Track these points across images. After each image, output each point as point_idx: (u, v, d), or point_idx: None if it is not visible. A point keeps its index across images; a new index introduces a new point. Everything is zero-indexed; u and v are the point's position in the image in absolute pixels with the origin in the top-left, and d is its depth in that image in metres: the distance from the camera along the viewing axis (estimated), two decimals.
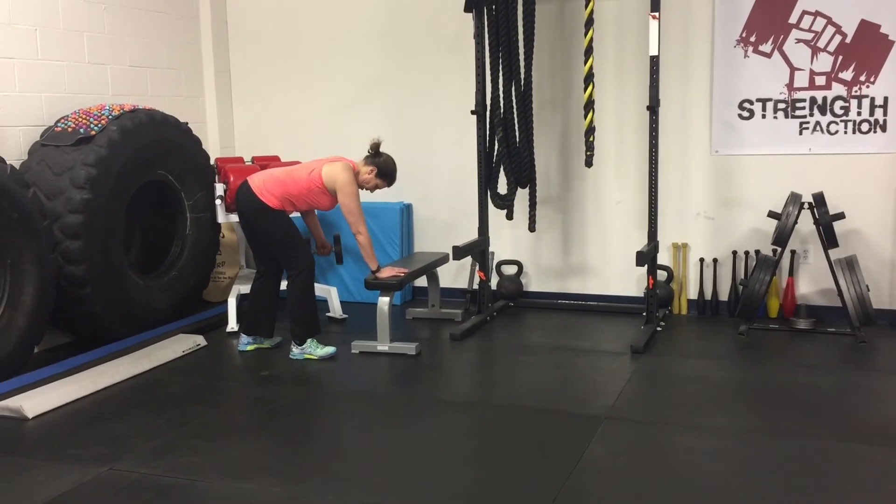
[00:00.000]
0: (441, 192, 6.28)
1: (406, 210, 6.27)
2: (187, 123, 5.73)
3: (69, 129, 4.96)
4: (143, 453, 3.60)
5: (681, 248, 5.78)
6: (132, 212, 5.40)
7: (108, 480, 3.35)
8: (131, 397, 4.35)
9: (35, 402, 4.11)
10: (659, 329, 5.34)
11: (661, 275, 5.71)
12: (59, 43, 5.27)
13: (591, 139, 5.22)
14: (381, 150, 4.95)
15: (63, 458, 3.58)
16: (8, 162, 4.63)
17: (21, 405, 4.05)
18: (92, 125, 4.97)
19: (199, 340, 5.21)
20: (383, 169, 4.93)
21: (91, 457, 3.57)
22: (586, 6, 5.10)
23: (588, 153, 5.25)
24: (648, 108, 5.16)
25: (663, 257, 5.76)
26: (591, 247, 6.00)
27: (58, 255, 4.77)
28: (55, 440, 3.79)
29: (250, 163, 5.93)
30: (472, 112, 5.55)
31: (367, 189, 4.97)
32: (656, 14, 5.03)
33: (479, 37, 5.46)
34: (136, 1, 5.85)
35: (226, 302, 5.72)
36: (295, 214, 5.00)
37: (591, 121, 5.19)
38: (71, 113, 5.18)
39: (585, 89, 5.16)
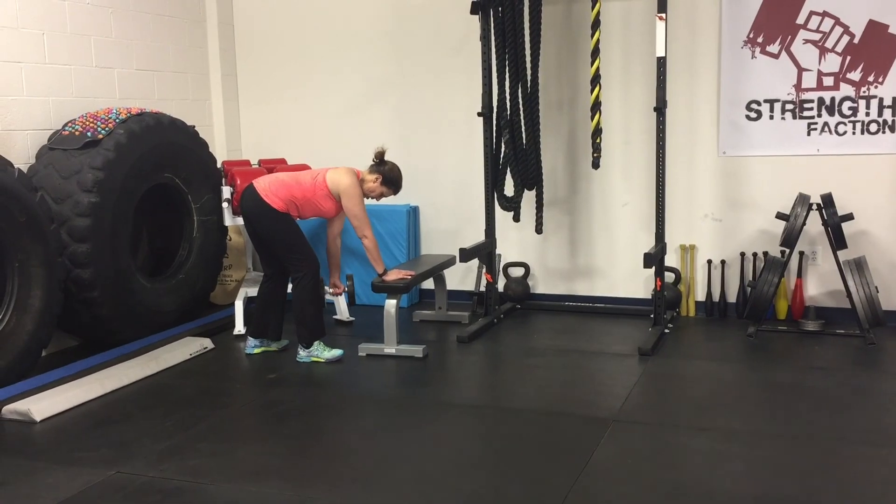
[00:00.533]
0: (448, 194, 6.27)
1: (412, 212, 6.27)
2: (194, 126, 5.74)
3: (76, 133, 4.97)
4: (151, 456, 3.60)
5: (688, 250, 5.76)
6: (139, 215, 5.41)
7: (116, 483, 3.35)
8: (139, 400, 4.35)
9: (43, 405, 4.12)
10: (667, 331, 5.32)
11: (669, 276, 5.69)
12: (66, 47, 5.28)
13: (597, 141, 5.21)
14: (386, 157, 4.96)
15: (71, 461, 3.58)
16: (15, 165, 4.64)
17: (29, 408, 4.05)
18: (99, 129, 4.98)
19: (207, 343, 5.21)
20: (388, 177, 4.93)
21: (98, 460, 3.57)
22: (593, 7, 5.09)
23: (595, 155, 5.25)
24: (655, 109, 5.15)
25: (671, 259, 5.75)
26: (598, 248, 5.99)
27: (65, 259, 4.78)
28: (63, 443, 3.79)
29: (257, 166, 5.93)
30: (479, 114, 5.54)
31: (372, 197, 4.98)
32: (663, 15, 5.01)
33: (485, 39, 5.46)
34: (142, 5, 5.87)
35: (233, 305, 5.73)
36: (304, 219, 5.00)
37: (598, 122, 5.18)
38: (78, 116, 5.19)
39: (592, 91, 5.15)
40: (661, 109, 5.13)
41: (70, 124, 5.09)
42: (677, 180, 5.66)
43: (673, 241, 5.72)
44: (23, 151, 5.02)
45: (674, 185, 5.62)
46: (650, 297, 5.68)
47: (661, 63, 5.08)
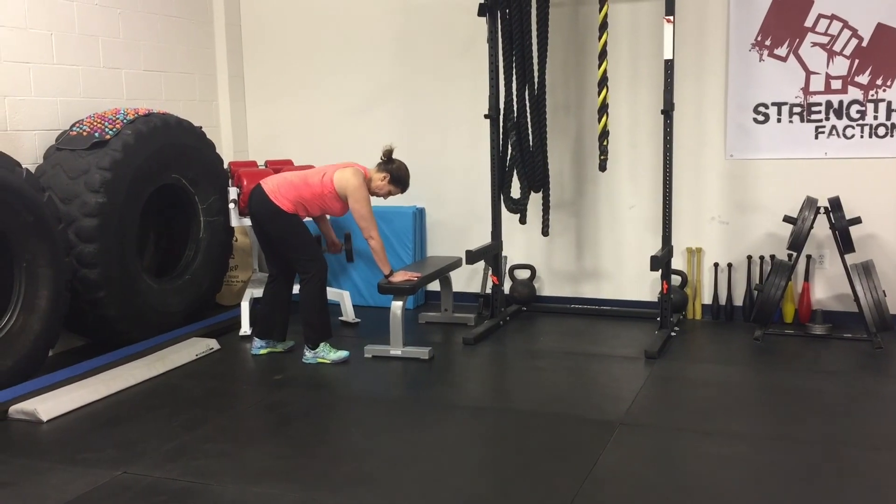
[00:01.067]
0: (454, 196, 6.27)
1: (419, 214, 6.27)
2: (201, 127, 5.75)
3: (84, 133, 4.98)
4: (157, 457, 3.61)
5: (695, 253, 5.75)
6: (146, 215, 5.42)
7: (122, 484, 3.36)
8: (145, 401, 4.36)
9: (49, 405, 4.12)
10: (673, 334, 5.31)
11: (676, 279, 5.68)
12: (74, 47, 5.29)
13: (604, 143, 5.21)
14: (394, 156, 4.95)
15: (77, 461, 3.58)
16: (24, 166, 4.65)
17: (36, 408, 4.06)
18: (107, 129, 4.99)
19: (213, 344, 5.22)
20: (396, 175, 4.92)
21: (105, 460, 3.58)
22: (600, 10, 5.09)
23: (602, 157, 5.24)
24: (663, 112, 5.14)
25: (677, 262, 5.73)
26: (604, 251, 5.98)
27: (72, 259, 4.78)
28: (69, 443, 3.80)
29: (263, 167, 5.94)
30: (486, 116, 5.54)
31: (380, 195, 4.97)
32: (671, 18, 5.01)
33: (492, 41, 5.45)
34: (150, 5, 5.88)
35: (239, 306, 5.74)
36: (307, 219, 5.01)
37: (605, 125, 5.18)
38: (86, 117, 5.20)
39: (599, 93, 5.15)
40: (668, 112, 5.12)
41: (78, 125, 5.10)
42: (684, 183, 5.65)
43: (679, 243, 5.71)
44: (31, 152, 5.03)
45: (680, 188, 5.61)
46: (656, 300, 5.67)
47: (669, 66, 5.07)
